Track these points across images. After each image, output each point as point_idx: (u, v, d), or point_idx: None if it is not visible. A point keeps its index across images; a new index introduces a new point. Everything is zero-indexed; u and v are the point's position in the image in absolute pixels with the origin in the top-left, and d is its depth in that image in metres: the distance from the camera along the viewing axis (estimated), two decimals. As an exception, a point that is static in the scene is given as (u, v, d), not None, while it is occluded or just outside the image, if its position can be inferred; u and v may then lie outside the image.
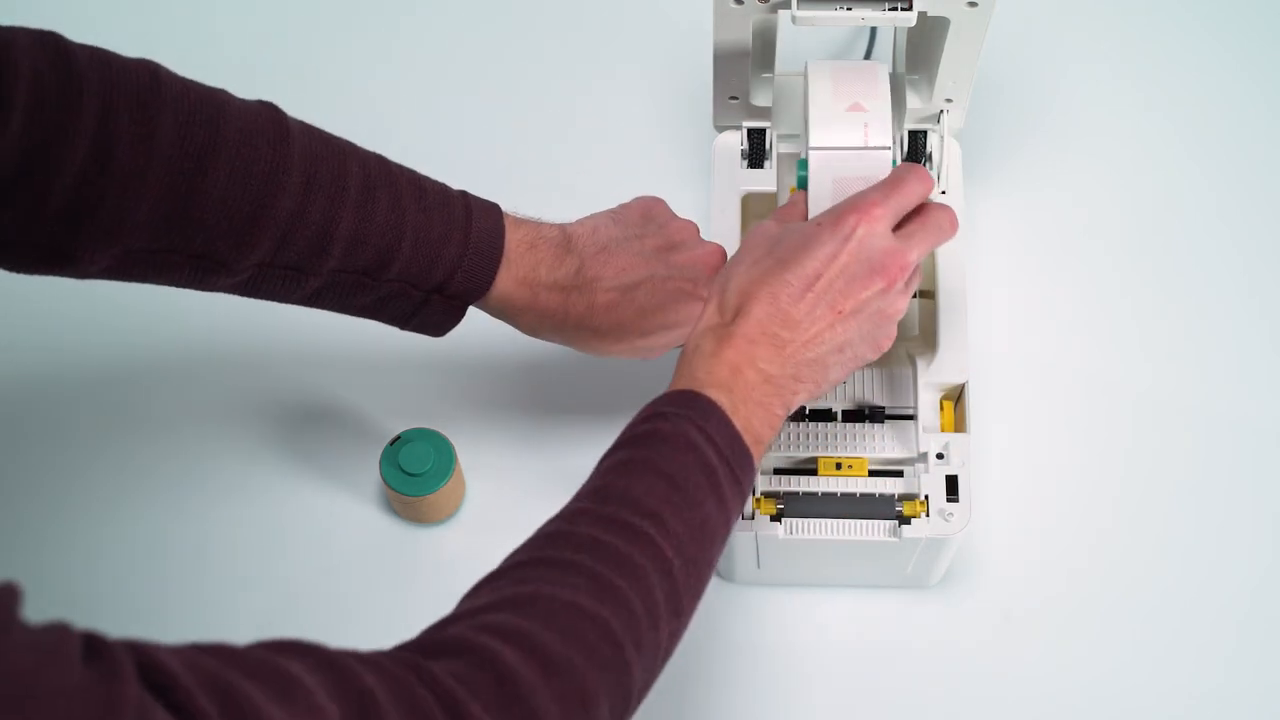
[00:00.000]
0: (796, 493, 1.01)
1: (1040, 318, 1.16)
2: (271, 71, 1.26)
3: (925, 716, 1.05)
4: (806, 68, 0.97)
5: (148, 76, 0.86)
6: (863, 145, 0.93)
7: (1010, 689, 1.06)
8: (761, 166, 1.08)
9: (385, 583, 1.09)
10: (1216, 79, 1.25)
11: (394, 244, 0.92)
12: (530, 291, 0.97)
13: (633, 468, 0.83)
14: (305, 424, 1.14)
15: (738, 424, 0.85)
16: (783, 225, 0.91)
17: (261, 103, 0.91)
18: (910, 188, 0.90)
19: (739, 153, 1.09)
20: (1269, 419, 1.13)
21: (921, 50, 1.06)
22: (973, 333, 1.06)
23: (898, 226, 0.90)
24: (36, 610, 1.07)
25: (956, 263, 1.06)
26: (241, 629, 1.07)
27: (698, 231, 1.02)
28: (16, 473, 1.13)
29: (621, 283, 0.98)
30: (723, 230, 1.07)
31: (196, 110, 0.87)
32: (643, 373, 1.14)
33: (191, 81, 0.88)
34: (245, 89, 0.92)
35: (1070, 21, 1.27)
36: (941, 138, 1.07)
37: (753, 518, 1.00)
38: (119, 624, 1.07)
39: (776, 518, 1.00)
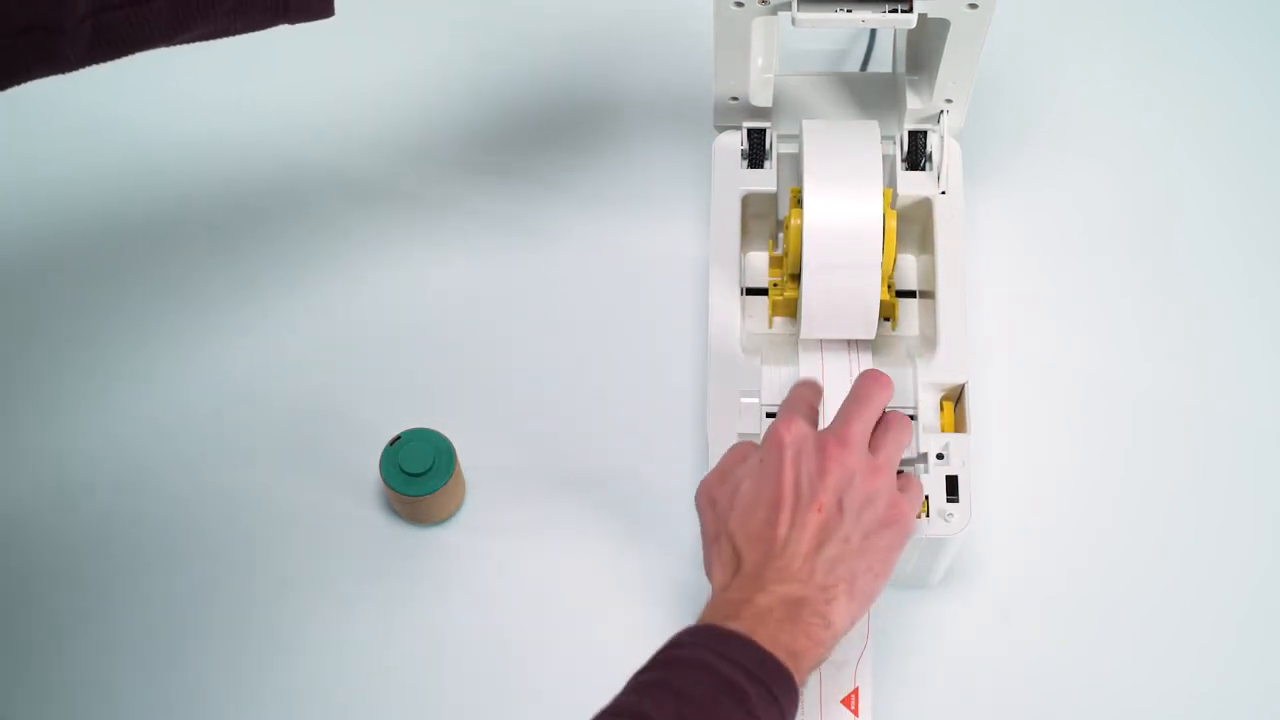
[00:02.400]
0: (796, 493, 1.01)
1: (1040, 318, 1.16)
2: (270, 67, 1.26)
3: (925, 716, 1.05)
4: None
5: None
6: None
7: (1010, 689, 1.05)
8: (761, 166, 1.08)
9: (385, 583, 1.09)
10: (1216, 79, 1.25)
11: None
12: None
13: (645, 688, 0.82)
14: (305, 424, 1.13)
15: (762, 643, 0.83)
16: (742, 459, 0.92)
17: None
18: (807, 390, 0.94)
19: (739, 153, 1.09)
20: (1269, 419, 1.13)
21: (921, 50, 1.06)
22: (973, 333, 1.06)
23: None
24: (35, 609, 1.07)
25: (956, 263, 1.06)
26: (241, 629, 1.08)
27: None
28: (16, 473, 1.13)
29: None
30: (722, 230, 1.07)
31: None
32: (643, 371, 1.15)
33: None
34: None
35: (1070, 21, 1.27)
36: (941, 138, 1.07)
37: None
38: (120, 627, 1.07)
39: None
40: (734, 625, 0.84)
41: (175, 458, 1.13)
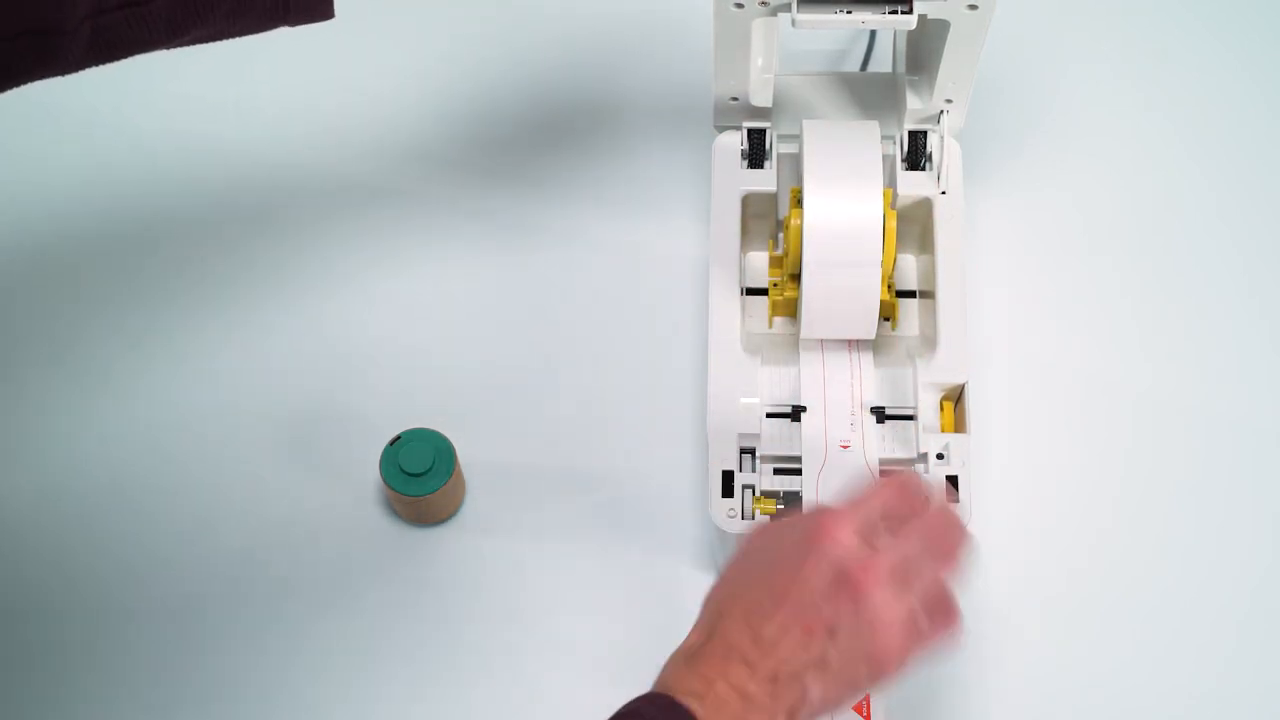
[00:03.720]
0: (796, 492, 1.01)
1: (1040, 318, 1.16)
2: (270, 68, 1.27)
3: (925, 716, 1.05)
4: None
5: None
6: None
7: (1010, 689, 1.05)
8: (761, 166, 1.08)
9: (385, 583, 1.09)
10: (1217, 79, 1.25)
11: None
12: None
13: None
14: (305, 424, 1.13)
15: None
16: (774, 531, 0.86)
17: None
18: (880, 498, 0.85)
19: (739, 153, 1.09)
20: (1269, 419, 1.13)
21: (921, 51, 1.06)
22: (973, 333, 1.06)
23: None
24: (31, 611, 1.07)
25: (956, 263, 1.06)
26: (240, 629, 1.08)
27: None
28: (12, 475, 1.13)
29: None
30: (722, 230, 1.07)
31: None
32: (643, 371, 1.15)
33: None
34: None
35: (1070, 21, 1.27)
36: (941, 138, 1.08)
37: (753, 517, 1.00)
38: (119, 627, 1.07)
39: (776, 517, 1.00)
40: (691, 704, 0.79)
41: (175, 458, 1.13)
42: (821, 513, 0.84)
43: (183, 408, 1.14)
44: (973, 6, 0.96)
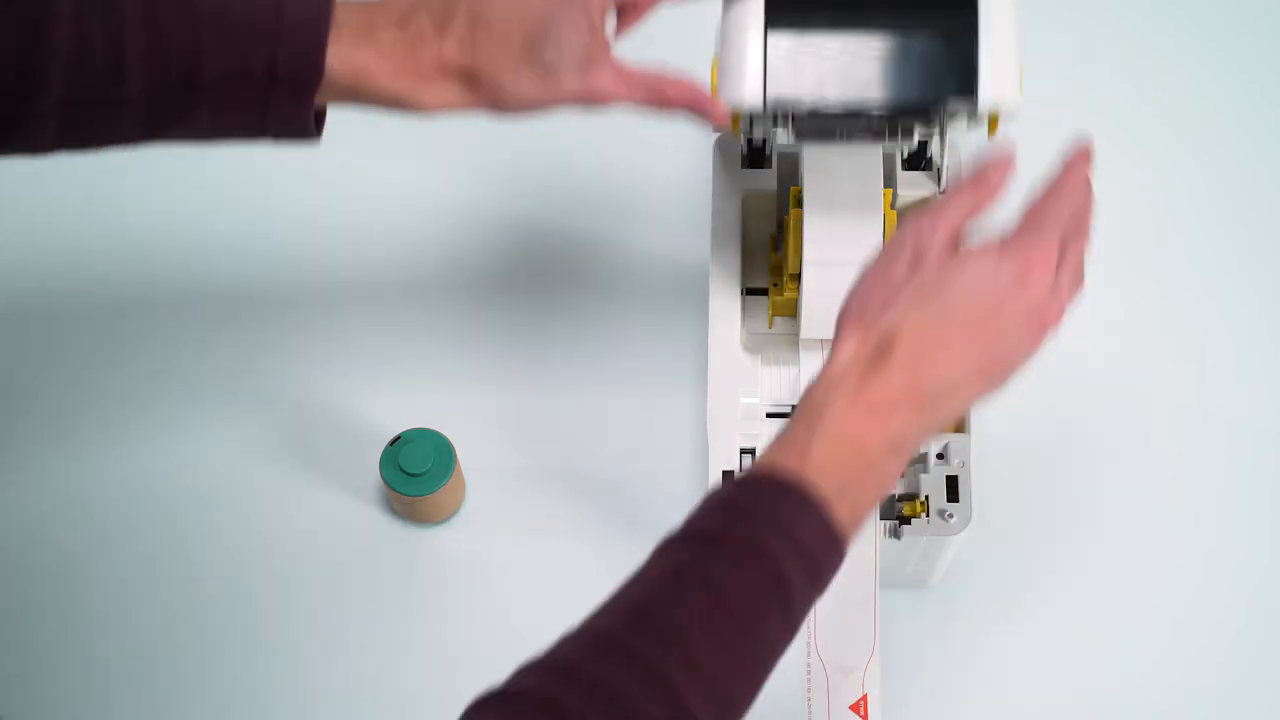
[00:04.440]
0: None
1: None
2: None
3: (925, 716, 1.05)
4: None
5: None
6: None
7: (1011, 689, 1.06)
8: (762, 166, 1.08)
9: (385, 583, 1.09)
10: (1216, 79, 1.25)
11: (194, 45, 0.83)
12: (376, 51, 0.85)
13: (685, 583, 0.72)
14: (305, 424, 1.14)
15: (840, 516, 0.74)
16: (943, 251, 0.80)
17: None
18: (1061, 205, 0.82)
19: (739, 153, 1.09)
20: (1269, 419, 1.13)
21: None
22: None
23: None
24: (42, 613, 1.07)
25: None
26: (240, 628, 1.08)
27: None
28: (17, 471, 1.13)
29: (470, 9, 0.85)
30: (723, 230, 1.07)
31: None
32: (643, 372, 1.15)
33: None
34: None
35: (1070, 21, 1.27)
36: (942, 138, 1.07)
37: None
38: (119, 626, 1.07)
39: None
40: (824, 486, 0.73)
41: (175, 458, 1.13)
42: (1035, 251, 0.79)
43: (183, 409, 1.14)
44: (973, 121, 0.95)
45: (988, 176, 0.82)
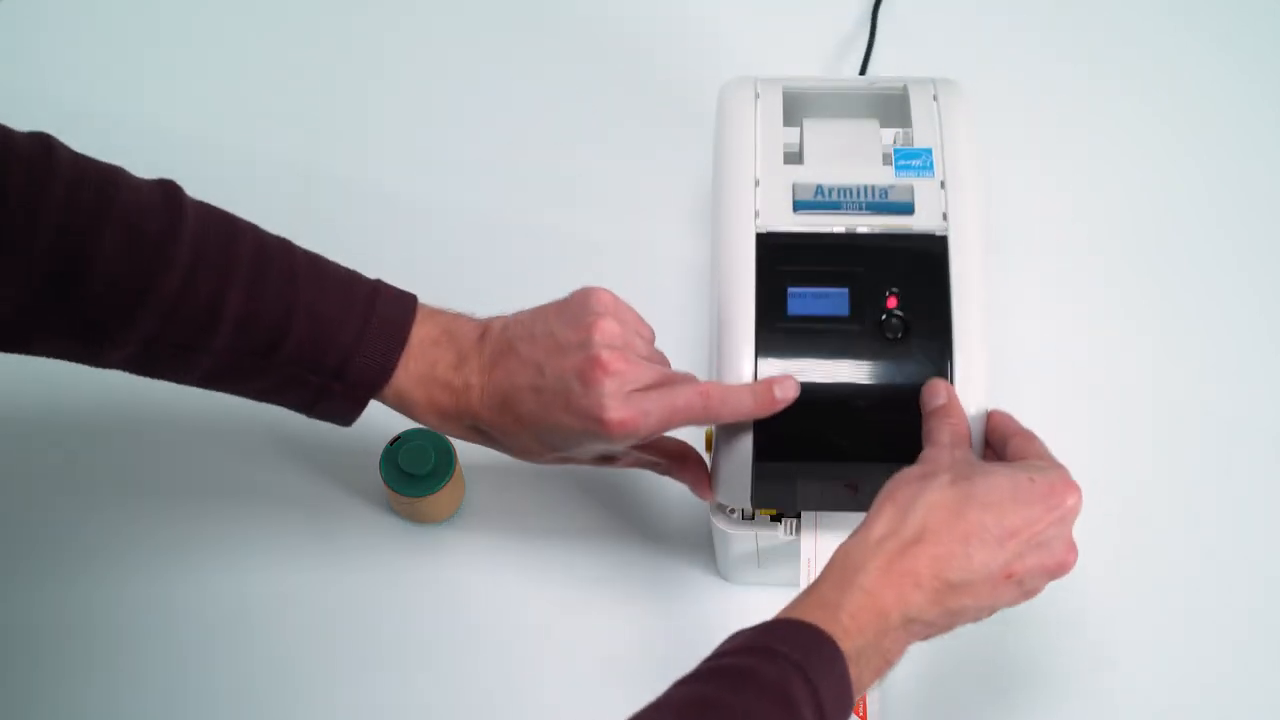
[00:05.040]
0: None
1: (1040, 318, 1.17)
2: (262, 74, 1.27)
3: (925, 716, 1.04)
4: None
5: (41, 147, 0.86)
6: None
7: (1011, 689, 1.05)
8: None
9: (385, 583, 1.08)
10: (1216, 79, 1.26)
11: (284, 323, 0.89)
12: (426, 391, 0.93)
13: (700, 709, 0.76)
14: (305, 424, 1.12)
15: (854, 674, 0.78)
16: (978, 464, 0.86)
17: (160, 180, 0.90)
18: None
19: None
20: (1269, 419, 1.13)
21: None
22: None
23: None
24: (45, 618, 1.06)
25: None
26: (240, 628, 1.07)
27: (622, 333, 0.90)
28: (19, 469, 1.12)
29: (501, 390, 0.91)
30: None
31: (87, 179, 0.86)
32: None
33: (86, 156, 0.88)
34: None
35: (1069, 22, 1.28)
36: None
37: (753, 518, 0.99)
38: (119, 625, 1.06)
39: (777, 518, 0.99)
40: (847, 645, 0.78)
41: (175, 457, 1.12)
42: (1068, 477, 0.85)
43: (182, 406, 1.14)
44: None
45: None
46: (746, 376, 0.91)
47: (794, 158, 0.98)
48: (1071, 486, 0.84)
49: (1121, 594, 1.07)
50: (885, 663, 0.81)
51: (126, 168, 0.90)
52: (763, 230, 0.93)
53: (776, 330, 0.91)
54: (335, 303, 0.90)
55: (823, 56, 1.27)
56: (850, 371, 0.91)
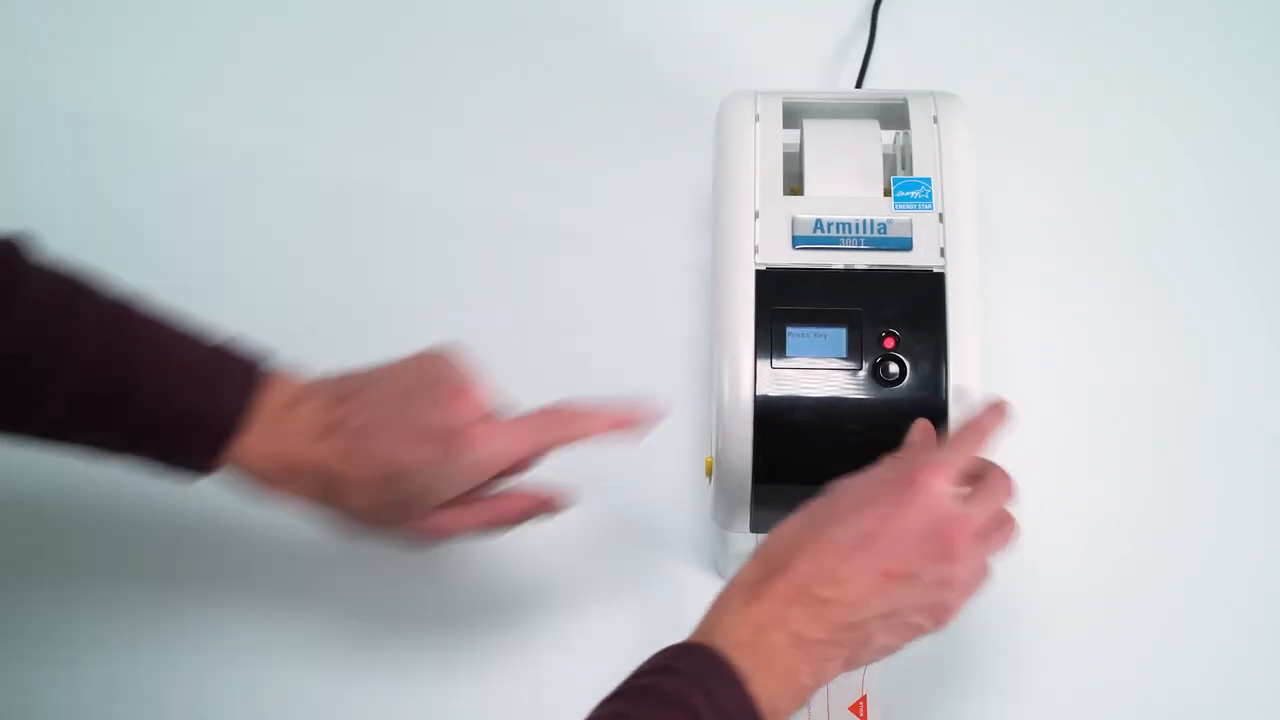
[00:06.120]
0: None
1: (1041, 319, 1.16)
2: (262, 74, 1.26)
3: (925, 716, 1.05)
4: None
5: None
6: None
7: (1011, 689, 1.06)
8: None
9: (385, 583, 1.09)
10: (1216, 78, 1.25)
11: (135, 374, 0.87)
12: (270, 439, 0.90)
13: None
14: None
15: (753, 690, 0.78)
16: (863, 476, 0.85)
17: (4, 238, 0.88)
18: (974, 443, 0.86)
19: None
20: (1269, 419, 1.13)
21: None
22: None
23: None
24: (35, 600, 1.06)
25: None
26: (241, 628, 1.08)
27: (474, 403, 0.91)
28: (17, 471, 1.13)
29: (350, 425, 0.89)
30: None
31: None
32: (643, 371, 1.15)
33: None
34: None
35: (1069, 22, 1.27)
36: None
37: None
38: (119, 624, 1.07)
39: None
40: (736, 658, 0.79)
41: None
42: (921, 461, 0.83)
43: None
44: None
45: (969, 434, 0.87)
46: (746, 404, 0.92)
47: (794, 176, 0.98)
48: (926, 470, 0.82)
49: (1122, 594, 1.08)
50: (794, 683, 0.80)
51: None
52: (761, 266, 0.93)
53: (774, 369, 0.91)
54: (180, 342, 0.89)
55: (822, 57, 1.26)
56: (847, 412, 0.91)
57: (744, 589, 0.81)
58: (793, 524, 0.83)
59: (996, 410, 0.88)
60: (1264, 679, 1.06)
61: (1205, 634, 1.07)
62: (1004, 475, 0.86)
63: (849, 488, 0.84)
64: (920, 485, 0.82)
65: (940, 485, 0.82)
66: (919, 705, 1.05)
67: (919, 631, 0.83)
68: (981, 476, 0.86)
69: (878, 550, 0.81)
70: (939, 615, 0.83)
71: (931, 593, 0.82)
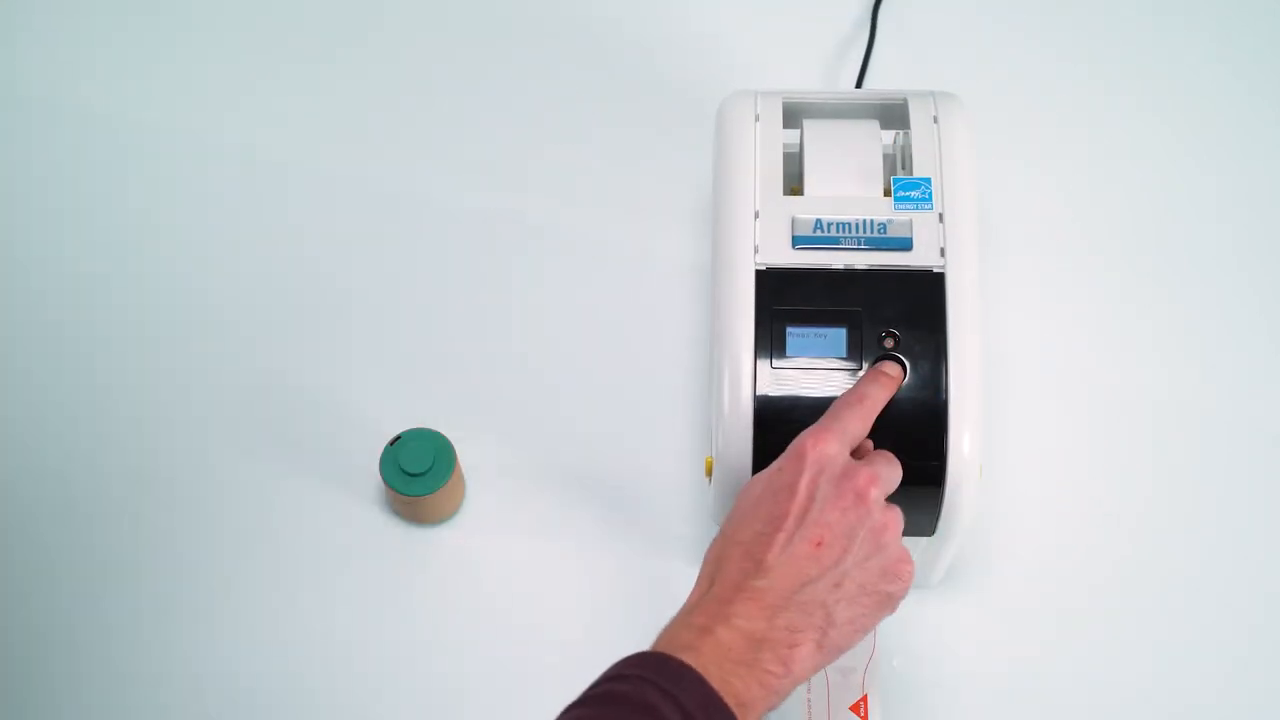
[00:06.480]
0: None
1: (1041, 319, 1.17)
2: (261, 74, 1.26)
3: (925, 716, 1.05)
4: None
5: None
6: None
7: (1011, 689, 1.06)
8: None
9: (385, 583, 1.09)
10: (1217, 78, 1.25)
11: None
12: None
13: None
14: (305, 424, 1.13)
15: (715, 684, 0.78)
16: (762, 473, 0.87)
17: None
18: (857, 408, 0.88)
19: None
20: (1269, 419, 1.14)
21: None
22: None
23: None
24: (34, 606, 1.07)
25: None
26: (241, 628, 1.08)
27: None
28: (17, 471, 1.13)
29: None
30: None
31: None
32: (643, 371, 1.15)
33: None
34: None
35: (1069, 21, 1.27)
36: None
37: None
38: (119, 623, 1.07)
39: None
40: (688, 658, 0.79)
41: (176, 456, 1.13)
42: (803, 435, 0.85)
43: (182, 406, 1.14)
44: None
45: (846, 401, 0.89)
46: (746, 405, 0.91)
47: (794, 176, 0.98)
48: (811, 438, 0.84)
49: (1122, 594, 1.08)
50: (758, 672, 0.80)
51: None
52: (762, 266, 0.93)
53: (775, 369, 0.91)
54: None
55: (822, 57, 1.26)
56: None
57: (685, 609, 0.83)
58: (715, 541, 0.85)
59: (875, 375, 0.90)
60: (1264, 679, 1.06)
61: (1205, 634, 1.07)
62: (891, 455, 0.88)
63: (749, 486, 0.86)
64: (810, 451, 0.84)
65: (829, 448, 0.84)
66: (919, 705, 1.05)
67: (879, 593, 0.84)
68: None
69: (798, 525, 0.82)
70: (891, 569, 0.84)
71: (870, 549, 0.83)
